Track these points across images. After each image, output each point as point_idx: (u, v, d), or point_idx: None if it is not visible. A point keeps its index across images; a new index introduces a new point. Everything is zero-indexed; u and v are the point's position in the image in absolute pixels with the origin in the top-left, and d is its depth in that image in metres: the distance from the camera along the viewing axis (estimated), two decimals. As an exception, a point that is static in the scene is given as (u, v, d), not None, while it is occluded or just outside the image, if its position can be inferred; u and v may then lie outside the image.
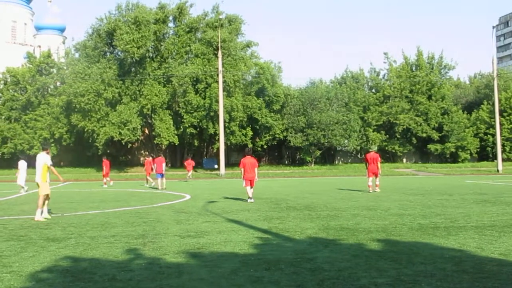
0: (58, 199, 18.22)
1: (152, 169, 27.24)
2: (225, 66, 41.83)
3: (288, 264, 6.43)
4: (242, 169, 15.73)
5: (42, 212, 11.50)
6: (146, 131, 47.52)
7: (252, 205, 14.46)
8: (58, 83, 48.54)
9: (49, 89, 48.65)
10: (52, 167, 11.96)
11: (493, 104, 45.30)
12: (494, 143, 46.02)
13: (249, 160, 15.79)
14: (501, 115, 47.36)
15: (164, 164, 24.92)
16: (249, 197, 15.62)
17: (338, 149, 53.25)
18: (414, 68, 54.54)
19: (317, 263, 6.48)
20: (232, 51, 43.90)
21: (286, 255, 7.04)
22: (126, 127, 41.18)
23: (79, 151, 47.76)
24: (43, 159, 11.87)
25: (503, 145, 48.46)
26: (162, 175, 24.17)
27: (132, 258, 6.89)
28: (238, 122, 43.36)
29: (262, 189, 22.36)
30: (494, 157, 46.76)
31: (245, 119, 44.22)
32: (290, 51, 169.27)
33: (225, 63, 42.06)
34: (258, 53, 50.18)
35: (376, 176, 19.60)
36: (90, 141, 43.66)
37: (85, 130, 42.65)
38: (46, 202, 11.79)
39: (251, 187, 15.70)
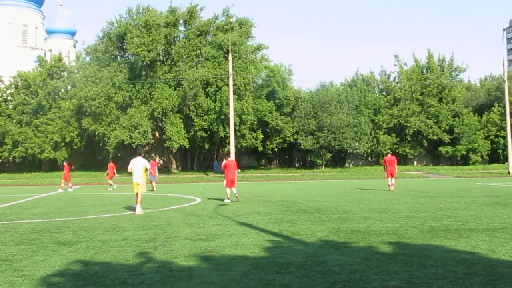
0: (69, 202, 18.39)
1: (114, 173, 28.74)
2: (235, 69, 41.83)
3: (299, 267, 6.44)
4: (224, 170, 17.40)
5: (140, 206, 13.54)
6: (157, 135, 47.72)
7: (262, 208, 14.47)
8: (69, 87, 48.89)
9: (60, 92, 49.01)
10: (148, 170, 13.99)
11: (504, 107, 44.96)
12: (505, 145, 45.64)
13: (230, 162, 17.59)
14: (511, 117, 46.92)
15: (156, 168, 26.45)
16: (227, 198, 16.99)
17: (348, 152, 53.01)
18: (424, 70, 54.20)
19: (328, 266, 6.49)
20: (242, 54, 43.88)
21: (297, 258, 7.06)
22: (137, 131, 41.36)
23: (89, 155, 48.09)
24: (142, 162, 13.86)
25: (514, 147, 48.06)
26: (153, 177, 25.32)
27: (143, 262, 6.94)
28: (248, 125, 43.32)
29: (272, 192, 22.39)
30: (505, 159, 46.39)
31: (256, 122, 44.19)
32: (300, 54, 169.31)
33: (235, 66, 42.07)
34: (269, 56, 50.00)
35: (392, 176, 21.98)
36: (101, 144, 43.90)
37: (96, 133, 42.91)
38: (140, 199, 13.62)
39: (233, 187, 17.13)
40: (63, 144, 45.79)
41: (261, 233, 9.43)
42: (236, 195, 17.08)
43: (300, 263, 6.68)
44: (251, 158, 53.19)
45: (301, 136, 46.92)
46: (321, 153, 47.93)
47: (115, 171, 28.86)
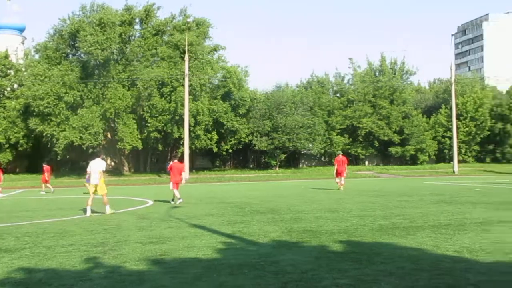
0: (14, 207, 17.67)
1: (48, 176, 27.43)
2: (191, 69, 41.51)
3: (252, 268, 6.44)
4: (170, 172, 17.29)
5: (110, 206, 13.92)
6: (109, 136, 46.64)
7: (216, 210, 14.40)
8: (15, 86, 47.03)
9: (5, 91, 47.04)
10: (102, 172, 13.95)
11: (451, 109, 46.71)
12: (451, 146, 47.40)
13: (176, 165, 17.55)
14: (457, 119, 48.80)
15: None
16: (178, 198, 16.75)
17: (302, 152, 53.64)
18: (377, 73, 55.64)
19: (280, 266, 6.52)
20: (199, 54, 43.61)
21: (249, 259, 7.06)
22: (88, 132, 40.30)
23: (36, 157, 46.23)
24: (99, 165, 14.00)
25: (459, 148, 49.96)
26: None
27: (91, 267, 6.73)
28: (203, 126, 43.02)
29: (226, 194, 22.32)
30: (451, 159, 48.13)
31: (211, 123, 43.94)
32: (257, 56, 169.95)
33: (191, 66, 41.74)
34: (225, 57, 49.93)
35: (342, 176, 22.83)
36: (49, 146, 42.51)
37: (44, 134, 41.47)
38: (91, 199, 13.73)
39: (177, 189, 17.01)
40: (7, 145, 43.94)
41: (214, 235, 9.37)
42: (174, 198, 16.94)
43: (253, 264, 6.68)
44: (205, 160, 52.83)
45: (256, 137, 47.05)
46: (276, 154, 48.26)
47: (47, 174, 27.48)
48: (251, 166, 53.96)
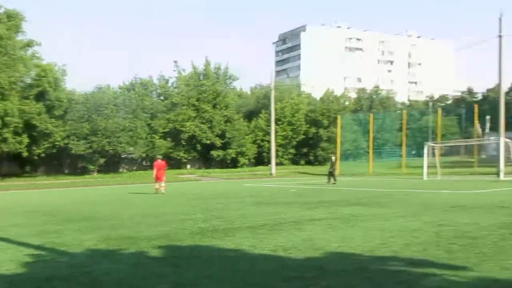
0: None
1: None
2: (0, 66, 37.49)
3: (63, 280, 6.03)
4: None
5: None
6: None
7: (24, 220, 13.08)
8: None
9: None
10: None
11: (270, 113, 50.02)
12: (269, 149, 50.73)
13: None
14: (276, 123, 52.39)
15: None
16: None
17: (123, 156, 52.16)
18: (201, 77, 56.84)
19: (95, 276, 6.22)
20: (9, 49, 39.60)
21: (61, 271, 6.60)
22: None
23: None
24: None
25: (276, 151, 53.62)
26: None
27: None
28: (12, 129, 39.26)
29: (37, 202, 20.59)
30: (269, 162, 51.47)
31: (21, 125, 40.29)
32: (77, 54, 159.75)
33: (0, 62, 37.71)
34: (41, 54, 46.16)
35: (161, 180, 22.82)
36: None
37: None
38: None
39: None
40: None
41: (20, 248, 8.48)
42: None
43: (64, 276, 6.25)
44: (13, 165, 47.82)
45: (73, 140, 44.50)
46: (94, 158, 46.15)
47: None
48: (66, 171, 50.51)
